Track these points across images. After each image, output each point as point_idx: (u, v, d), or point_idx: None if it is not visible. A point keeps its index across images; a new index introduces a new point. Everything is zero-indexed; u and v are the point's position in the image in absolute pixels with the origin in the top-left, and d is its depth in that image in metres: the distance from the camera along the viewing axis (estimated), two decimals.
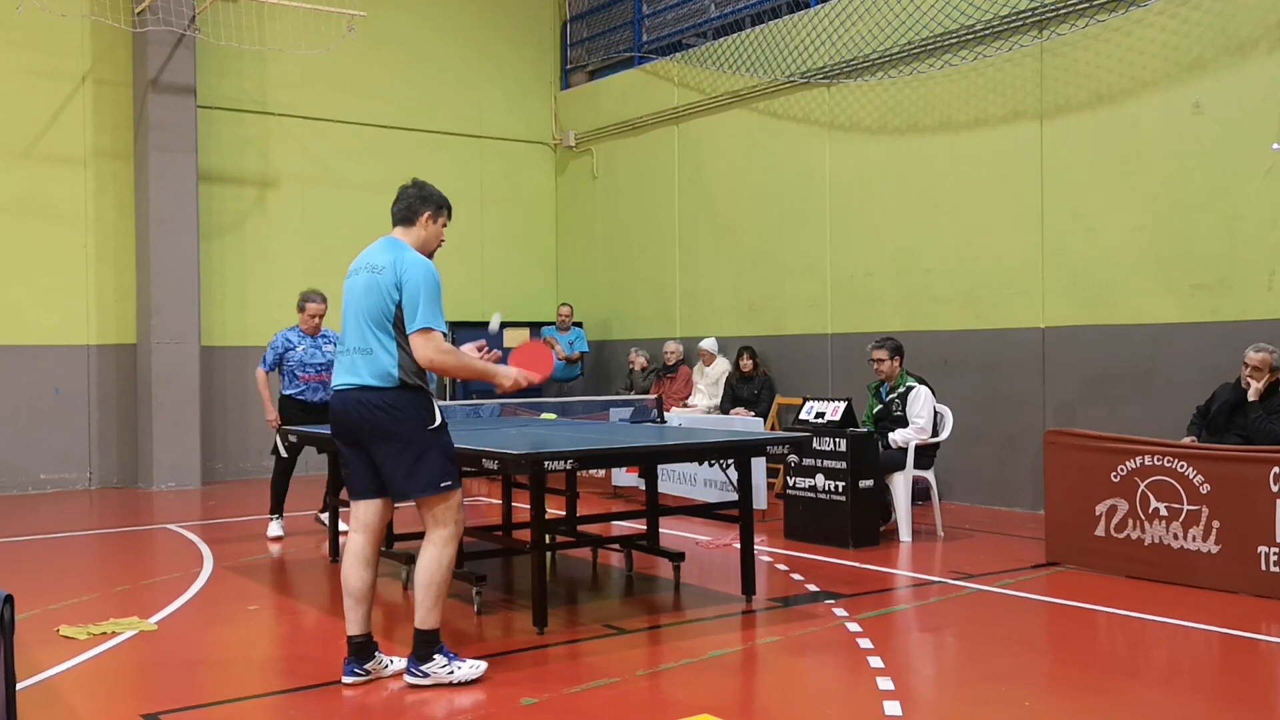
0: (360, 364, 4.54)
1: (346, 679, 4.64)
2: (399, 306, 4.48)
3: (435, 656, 4.58)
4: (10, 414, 11.36)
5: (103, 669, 5.03)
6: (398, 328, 4.50)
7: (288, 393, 8.40)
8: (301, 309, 8.42)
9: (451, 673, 4.57)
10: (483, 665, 4.67)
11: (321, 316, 8.42)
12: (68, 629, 5.54)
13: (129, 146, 11.94)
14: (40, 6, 10.60)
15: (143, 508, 10.39)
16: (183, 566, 7.35)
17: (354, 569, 4.69)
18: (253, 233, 12.58)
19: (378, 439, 4.55)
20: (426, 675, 4.56)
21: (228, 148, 12.41)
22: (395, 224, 4.76)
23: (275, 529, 8.40)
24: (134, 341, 11.94)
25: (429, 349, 4.47)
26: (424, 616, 4.58)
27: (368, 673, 4.68)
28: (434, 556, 4.62)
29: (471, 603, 5.95)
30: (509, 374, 4.84)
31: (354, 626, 4.66)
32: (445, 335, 4.56)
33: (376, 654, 4.72)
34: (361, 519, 4.74)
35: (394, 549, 6.90)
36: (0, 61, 11.34)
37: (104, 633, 5.51)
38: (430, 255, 4.71)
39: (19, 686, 3.73)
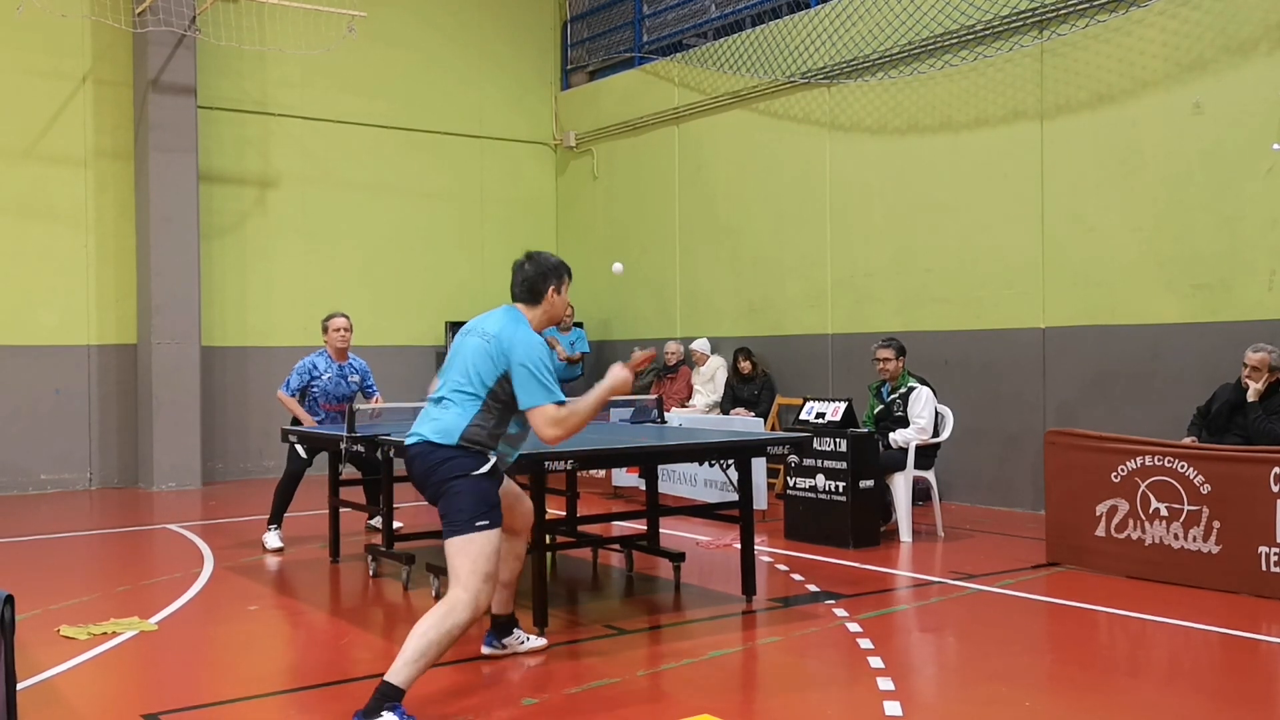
0: (433, 414, 4.50)
1: (485, 650, 5.02)
2: (502, 379, 4.39)
3: (384, 714, 4.00)
4: (10, 414, 11.36)
5: (103, 669, 5.03)
6: (492, 396, 4.40)
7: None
8: (324, 329, 8.23)
9: None
10: None
11: (349, 333, 8.24)
12: (68, 629, 5.55)
13: (129, 146, 11.94)
14: (40, 7, 10.60)
15: (143, 508, 10.39)
16: (183, 566, 7.35)
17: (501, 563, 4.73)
18: (253, 233, 12.58)
19: (426, 488, 4.45)
20: None
21: (228, 148, 12.41)
22: (516, 300, 4.65)
23: (273, 540, 7.96)
24: (134, 341, 11.94)
25: (547, 428, 4.32)
26: (398, 669, 4.08)
27: (504, 646, 5.08)
28: (439, 616, 4.17)
29: None
30: (619, 377, 4.51)
31: (497, 606, 5.02)
32: (560, 403, 4.35)
33: (515, 630, 5.13)
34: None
35: (394, 549, 6.90)
36: (0, 61, 11.35)
37: (104, 633, 5.51)
38: (559, 321, 4.86)
39: (19, 686, 3.73)
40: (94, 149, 11.80)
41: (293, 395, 8.12)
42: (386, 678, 4.06)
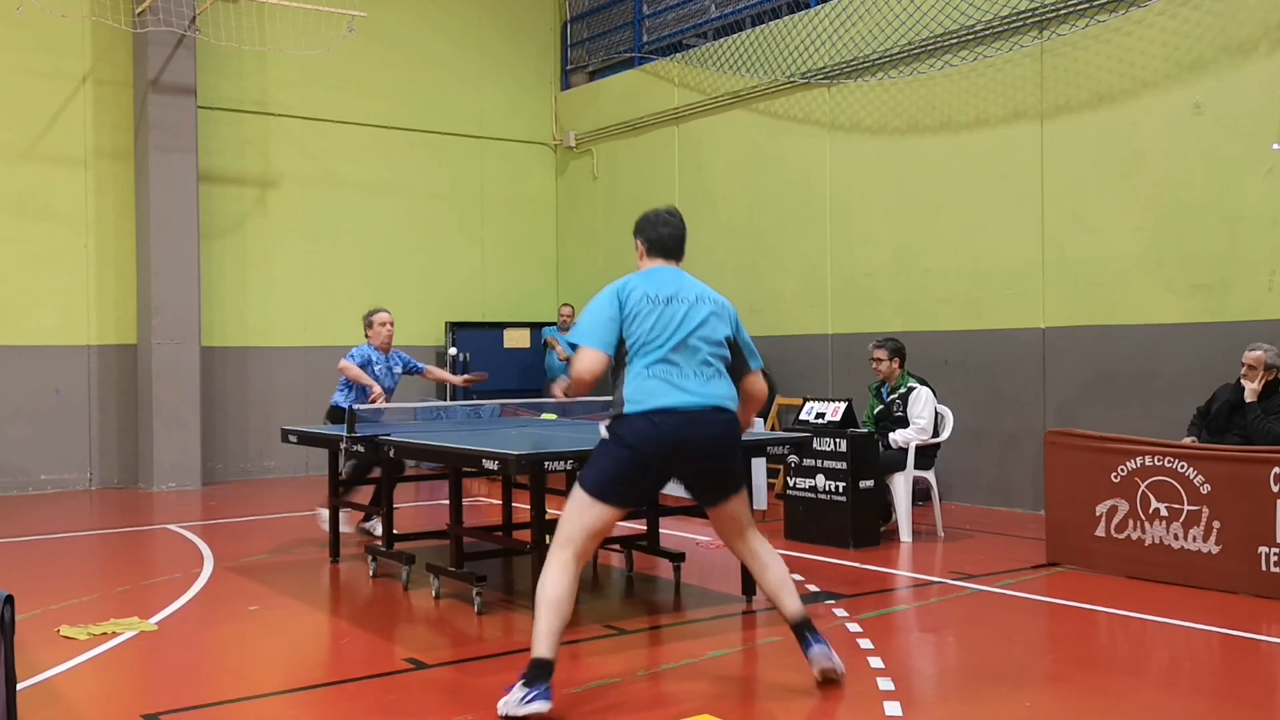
0: (716, 383, 4.47)
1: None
2: (730, 343, 4.59)
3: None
4: (10, 414, 11.36)
5: (103, 669, 5.03)
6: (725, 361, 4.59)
7: (343, 404, 8.00)
8: (369, 324, 8.36)
9: None
10: None
11: (393, 326, 8.45)
12: (68, 629, 5.55)
13: (129, 147, 11.94)
14: (40, 7, 10.60)
15: (143, 508, 10.39)
16: (183, 567, 7.35)
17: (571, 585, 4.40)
18: (253, 233, 12.59)
19: (725, 456, 4.51)
20: None
21: (228, 148, 12.41)
22: (672, 257, 4.64)
23: (376, 528, 8.12)
24: (134, 342, 11.94)
25: (763, 385, 4.76)
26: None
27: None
28: (764, 541, 4.75)
29: (471, 603, 5.95)
30: None
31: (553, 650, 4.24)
32: None
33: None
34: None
35: (394, 549, 6.90)
36: (0, 61, 11.35)
37: (104, 633, 5.51)
38: None
39: (19, 686, 3.73)
40: (94, 149, 11.80)
41: (361, 366, 8.19)
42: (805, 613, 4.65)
